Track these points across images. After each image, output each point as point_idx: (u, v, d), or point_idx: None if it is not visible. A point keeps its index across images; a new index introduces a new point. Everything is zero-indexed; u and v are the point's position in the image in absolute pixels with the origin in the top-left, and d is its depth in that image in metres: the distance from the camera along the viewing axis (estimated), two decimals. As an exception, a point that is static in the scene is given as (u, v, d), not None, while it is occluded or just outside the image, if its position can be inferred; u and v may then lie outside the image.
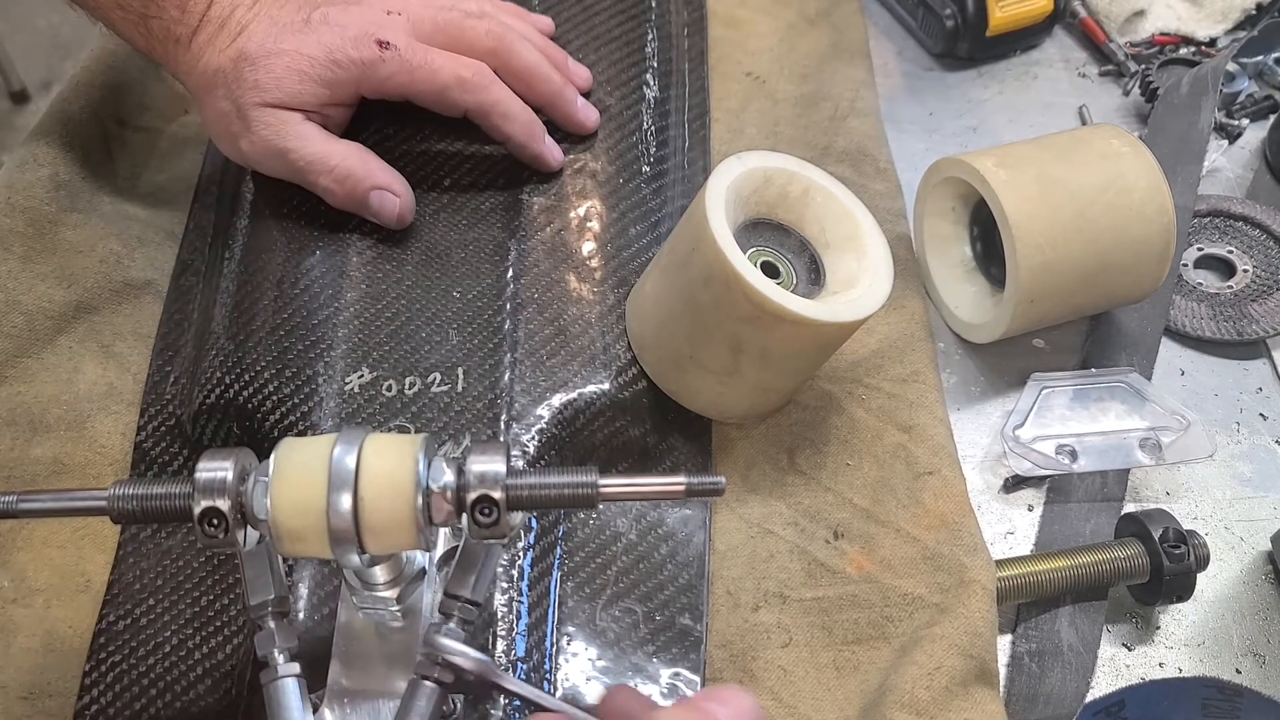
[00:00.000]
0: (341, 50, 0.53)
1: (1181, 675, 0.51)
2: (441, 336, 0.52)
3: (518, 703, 0.44)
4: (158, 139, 0.68)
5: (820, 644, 0.49)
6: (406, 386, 0.50)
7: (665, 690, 0.47)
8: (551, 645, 0.47)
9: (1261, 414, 0.60)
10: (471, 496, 0.37)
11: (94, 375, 0.56)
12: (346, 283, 0.54)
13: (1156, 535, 0.51)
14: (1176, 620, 0.53)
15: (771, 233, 0.53)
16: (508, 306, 0.53)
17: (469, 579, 0.39)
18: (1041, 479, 0.57)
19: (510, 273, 0.54)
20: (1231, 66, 0.74)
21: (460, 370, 0.51)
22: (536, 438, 0.50)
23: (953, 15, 0.75)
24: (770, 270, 0.52)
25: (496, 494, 0.37)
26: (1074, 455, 0.56)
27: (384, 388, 0.50)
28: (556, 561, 0.49)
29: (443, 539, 0.45)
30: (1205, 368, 0.62)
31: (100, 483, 0.52)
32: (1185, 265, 0.65)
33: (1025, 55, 0.78)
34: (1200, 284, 0.64)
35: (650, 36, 0.66)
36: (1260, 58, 0.76)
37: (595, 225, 0.57)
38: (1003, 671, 0.51)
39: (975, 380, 0.61)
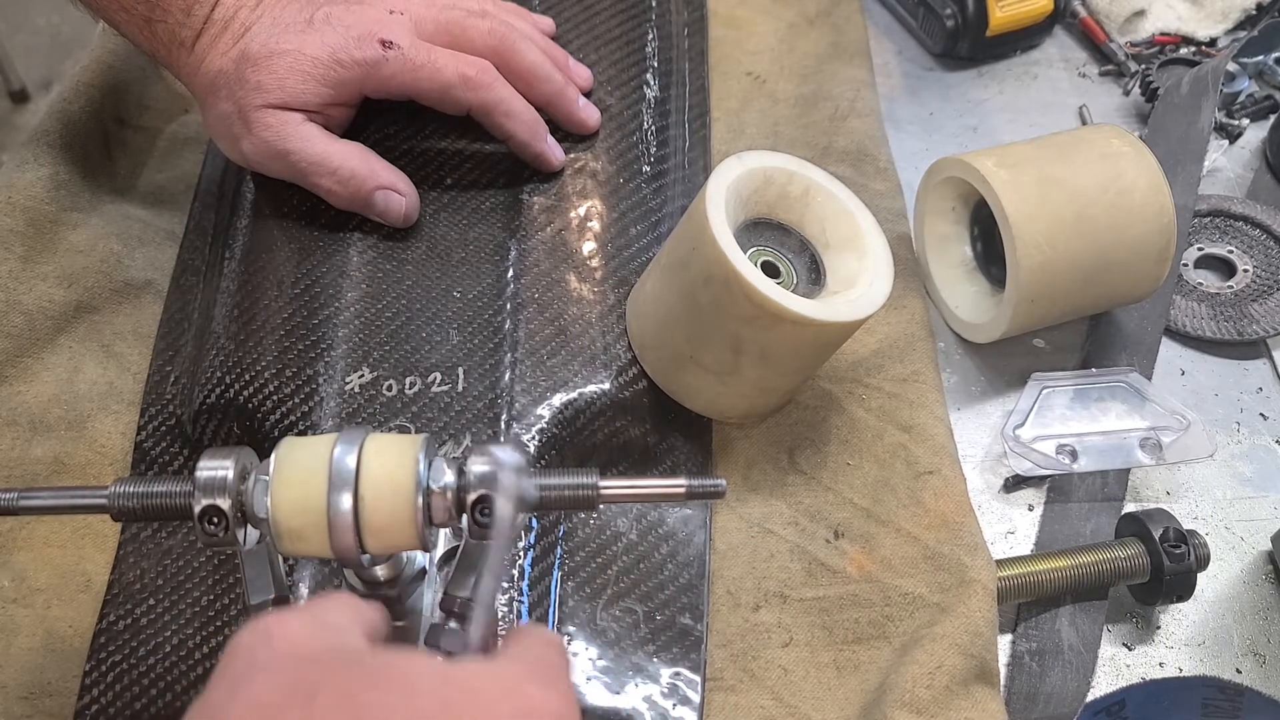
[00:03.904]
0: (345, 50, 0.53)
1: (1182, 675, 0.51)
2: (442, 336, 0.52)
3: None
4: (158, 139, 0.68)
5: (821, 643, 0.49)
6: (407, 386, 0.50)
7: (665, 690, 0.47)
8: (552, 645, 0.47)
9: (1262, 414, 0.60)
10: (472, 497, 0.37)
11: (94, 375, 0.56)
12: (347, 282, 0.54)
13: (1157, 535, 0.51)
14: (1177, 620, 0.53)
15: (771, 232, 0.53)
16: (508, 306, 0.53)
17: (469, 579, 0.39)
18: (1042, 479, 0.57)
19: (510, 272, 0.54)
20: (1232, 66, 0.74)
21: (460, 370, 0.51)
22: (537, 438, 0.50)
23: (953, 15, 0.75)
24: (770, 270, 0.52)
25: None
26: (1074, 455, 0.56)
27: (384, 387, 0.50)
28: (557, 561, 0.49)
29: (443, 539, 0.45)
30: (1205, 368, 0.62)
31: (101, 482, 0.52)
32: (1185, 265, 0.65)
33: (1025, 55, 0.78)
34: (1200, 284, 0.64)
35: (650, 36, 0.66)
36: (1260, 58, 0.76)
37: (595, 225, 0.57)
38: (1003, 671, 0.51)
39: (975, 380, 0.61)
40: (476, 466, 0.37)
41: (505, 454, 0.36)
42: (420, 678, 0.29)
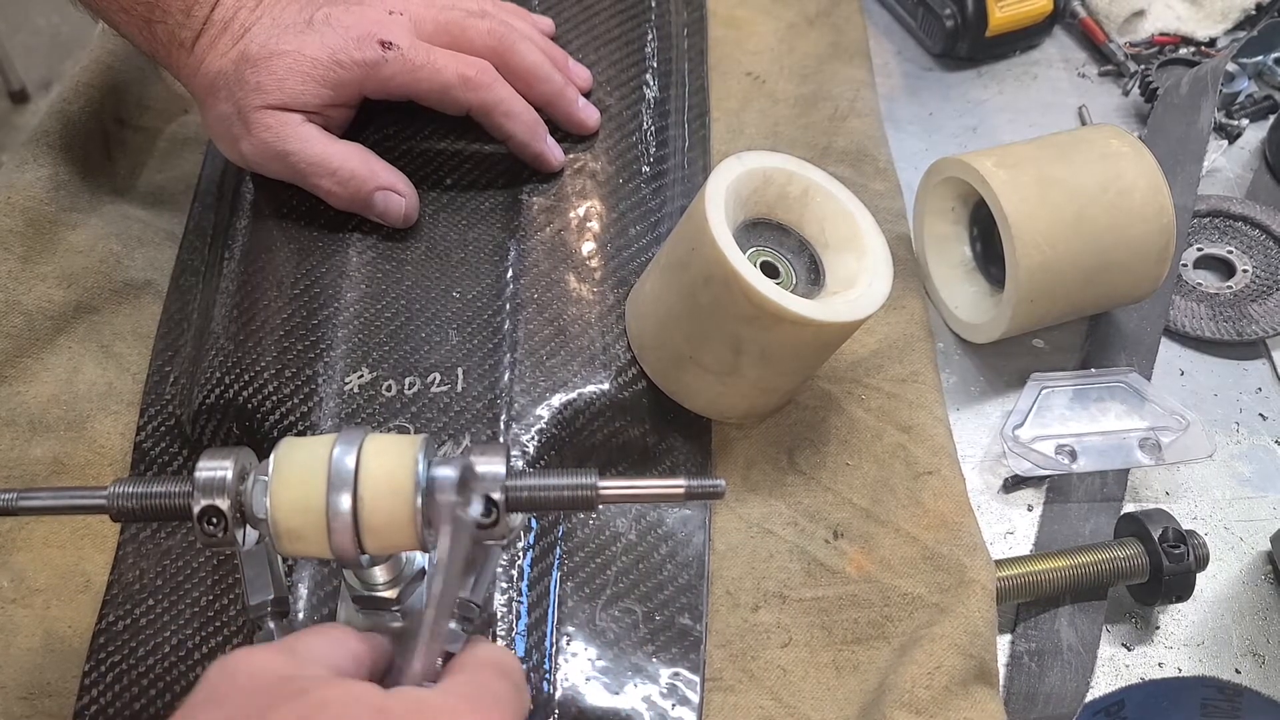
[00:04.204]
0: (344, 51, 0.53)
1: (1181, 675, 0.51)
2: (441, 336, 0.52)
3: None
4: (158, 139, 0.68)
5: (820, 644, 0.49)
6: (406, 387, 0.50)
7: (665, 690, 0.47)
8: (551, 645, 0.47)
9: (1261, 414, 0.60)
10: (471, 497, 0.37)
11: (94, 375, 0.56)
12: (346, 283, 0.54)
13: (1156, 535, 0.51)
14: (1176, 620, 0.53)
15: (771, 233, 0.53)
16: (507, 306, 0.53)
17: (469, 579, 0.39)
18: (1041, 479, 0.57)
19: (510, 273, 0.54)
20: (1231, 66, 0.74)
21: (460, 370, 0.51)
22: (536, 438, 0.50)
23: (953, 15, 0.75)
24: (770, 270, 0.52)
25: (496, 495, 0.37)
26: (1074, 455, 0.56)
27: (384, 388, 0.50)
28: (556, 561, 0.49)
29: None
30: (1205, 368, 0.62)
31: (100, 483, 0.52)
32: (1185, 265, 0.65)
33: (1025, 55, 0.78)
34: (1200, 284, 0.64)
35: (650, 36, 0.66)
36: (1260, 58, 0.76)
37: (595, 225, 0.57)
38: (1002, 671, 0.51)
39: (975, 380, 0.61)
40: (476, 467, 0.37)
41: (445, 470, 0.36)
42: (353, 708, 0.30)
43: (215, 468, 0.37)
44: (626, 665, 0.48)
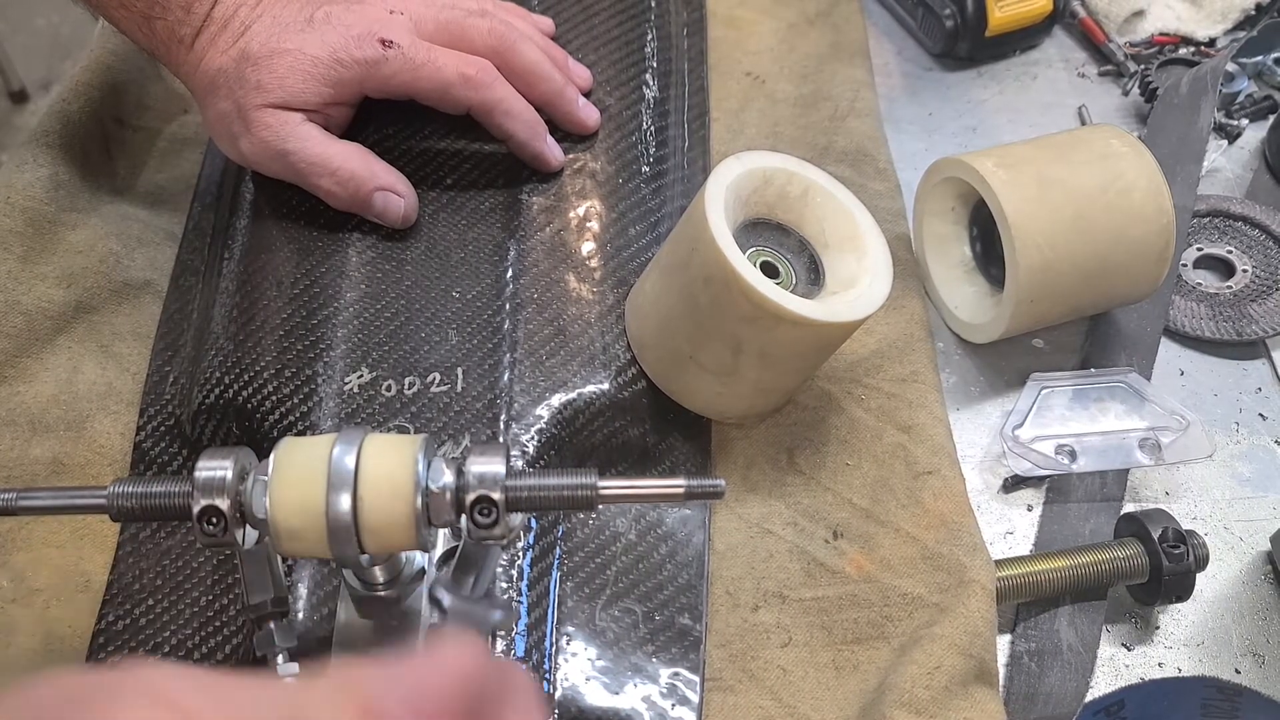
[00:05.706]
0: (345, 49, 0.53)
1: (1181, 675, 0.51)
2: (441, 336, 0.52)
3: None
4: (157, 139, 0.68)
5: (820, 644, 0.49)
6: (406, 386, 0.50)
7: (665, 690, 0.47)
8: (551, 645, 0.47)
9: (1261, 414, 0.60)
10: (470, 497, 0.37)
11: (93, 375, 0.56)
12: (346, 283, 0.54)
13: (1156, 535, 0.51)
14: (1176, 620, 0.53)
15: (771, 233, 0.53)
16: (507, 306, 0.53)
17: (468, 579, 0.39)
18: (1041, 479, 0.57)
19: (510, 273, 0.54)
20: (1231, 66, 0.74)
21: (459, 370, 0.51)
22: (536, 438, 0.50)
23: (952, 15, 0.75)
24: (770, 270, 0.52)
25: (496, 495, 0.37)
26: (1073, 455, 0.56)
27: (383, 388, 0.50)
28: (556, 561, 0.49)
29: (442, 539, 0.45)
30: (1205, 368, 0.62)
31: (100, 483, 0.52)
32: (1185, 265, 0.65)
33: (1025, 55, 0.78)
34: (1200, 284, 0.64)
35: (650, 36, 0.66)
36: (1260, 58, 0.76)
37: (595, 225, 0.57)
38: (1002, 671, 0.51)
39: (975, 380, 0.61)
40: (476, 467, 0.37)
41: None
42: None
43: (215, 467, 0.37)
44: (626, 665, 0.48)
